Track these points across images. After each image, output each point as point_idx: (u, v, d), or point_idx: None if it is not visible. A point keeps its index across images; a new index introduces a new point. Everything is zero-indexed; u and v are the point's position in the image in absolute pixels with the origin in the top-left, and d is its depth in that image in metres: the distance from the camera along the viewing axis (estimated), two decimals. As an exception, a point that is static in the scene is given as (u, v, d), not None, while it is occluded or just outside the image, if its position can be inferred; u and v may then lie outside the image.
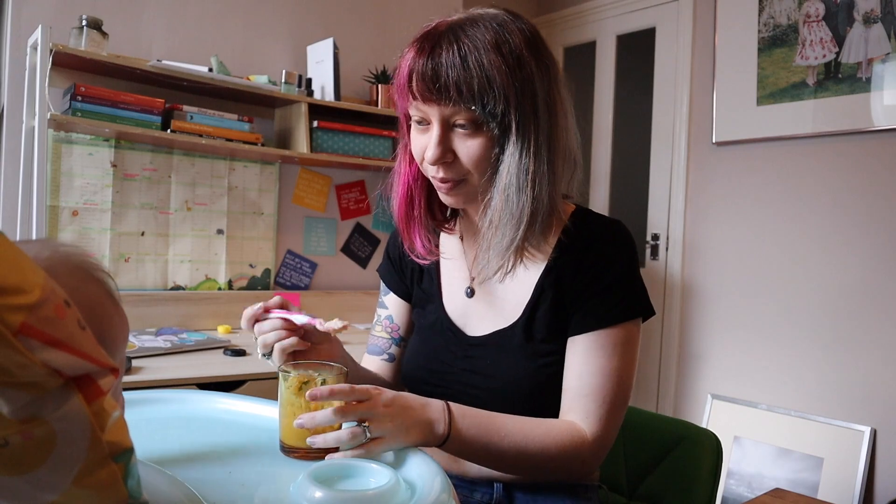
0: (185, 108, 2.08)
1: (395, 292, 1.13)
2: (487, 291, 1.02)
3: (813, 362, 2.52)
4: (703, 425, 2.72)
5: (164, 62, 2.01)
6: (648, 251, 3.11)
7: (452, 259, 1.07)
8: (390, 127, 2.48)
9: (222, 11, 2.33)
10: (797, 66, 2.57)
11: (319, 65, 2.41)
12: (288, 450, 0.85)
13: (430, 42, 0.89)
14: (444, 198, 0.96)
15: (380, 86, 2.51)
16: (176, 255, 2.25)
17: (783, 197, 2.63)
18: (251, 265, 2.41)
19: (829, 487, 2.36)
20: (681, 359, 2.96)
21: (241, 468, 0.81)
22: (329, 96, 2.37)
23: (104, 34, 1.94)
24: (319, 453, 0.84)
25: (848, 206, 2.46)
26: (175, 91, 2.17)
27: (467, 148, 0.89)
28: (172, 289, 2.25)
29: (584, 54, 3.52)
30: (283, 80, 2.25)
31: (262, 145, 2.22)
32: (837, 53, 2.47)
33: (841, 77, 2.46)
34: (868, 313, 2.39)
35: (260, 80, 2.24)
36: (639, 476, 1.31)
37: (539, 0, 3.69)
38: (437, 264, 1.07)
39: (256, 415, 0.98)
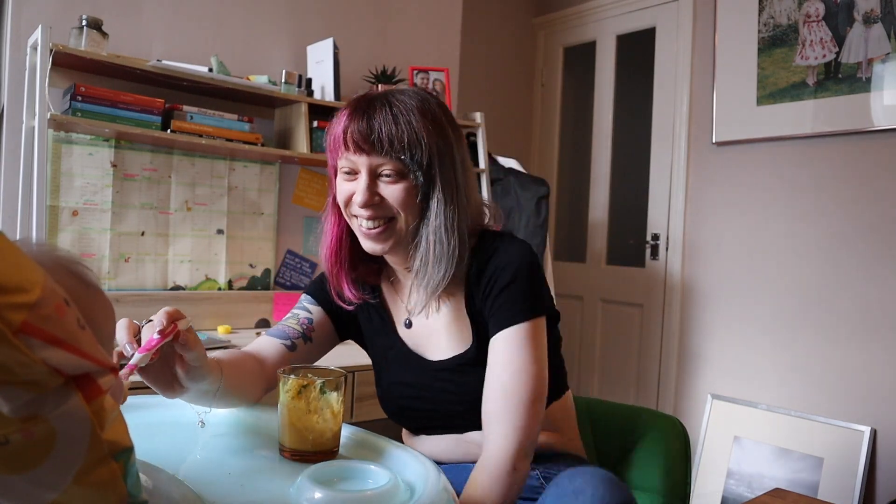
0: (185, 108, 2.08)
1: (325, 311, 1.16)
2: (425, 323, 1.11)
3: (813, 362, 2.52)
4: (703, 425, 2.73)
5: (164, 62, 2.01)
6: (648, 251, 3.11)
7: (389, 297, 1.16)
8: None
9: (222, 11, 2.33)
10: (797, 66, 2.57)
11: (319, 65, 2.41)
12: (288, 452, 0.85)
13: (364, 104, 1.01)
14: (370, 245, 1.04)
15: (380, 86, 2.51)
16: (176, 255, 2.25)
17: (783, 197, 2.63)
18: (251, 265, 2.41)
19: (829, 487, 2.36)
20: (681, 359, 2.96)
21: (241, 469, 0.81)
22: (329, 96, 2.37)
23: (104, 34, 1.94)
24: (319, 455, 0.84)
25: (848, 205, 2.46)
26: (175, 91, 2.17)
27: (392, 191, 1.00)
28: (172, 289, 2.25)
29: (584, 54, 3.52)
30: (283, 80, 2.25)
31: (262, 145, 2.22)
32: (837, 53, 2.47)
33: (841, 77, 2.46)
34: (868, 313, 2.39)
35: (260, 80, 2.24)
36: (611, 466, 1.32)
37: (539, 0, 3.69)
38: (382, 302, 1.16)
39: (256, 417, 0.98)
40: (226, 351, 1.05)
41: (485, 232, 1.10)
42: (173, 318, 0.84)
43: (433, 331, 1.10)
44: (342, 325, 1.18)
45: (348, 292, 1.11)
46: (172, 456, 0.82)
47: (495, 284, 1.03)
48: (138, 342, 0.83)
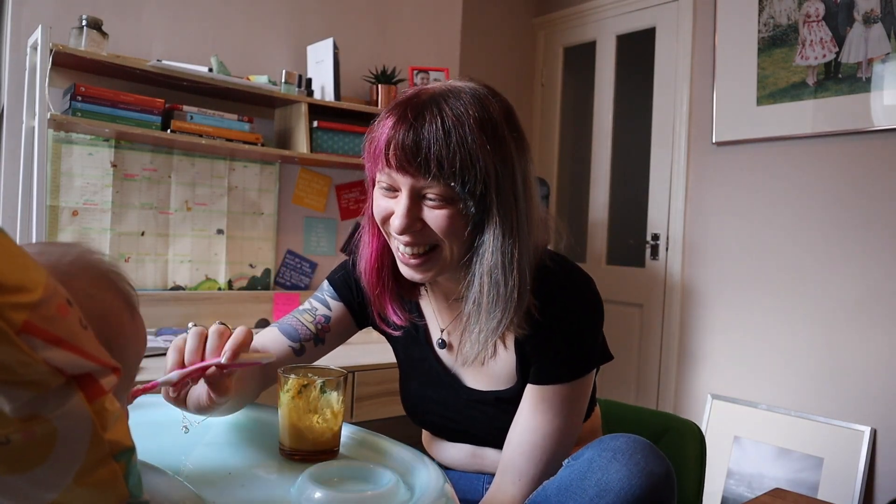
0: (185, 108, 2.08)
1: (347, 306, 1.07)
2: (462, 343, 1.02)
3: (813, 362, 2.52)
4: (703, 425, 2.73)
5: (164, 62, 2.01)
6: (648, 251, 3.11)
7: (424, 308, 1.06)
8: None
9: (222, 11, 2.33)
10: (797, 66, 2.57)
11: (319, 65, 2.41)
12: (288, 452, 0.85)
13: (413, 112, 0.85)
14: (409, 273, 0.91)
15: (380, 86, 2.51)
16: (176, 255, 2.25)
17: (783, 197, 2.63)
18: (251, 265, 2.41)
19: (829, 487, 2.36)
20: (681, 359, 2.96)
21: (241, 469, 0.81)
22: (329, 96, 2.37)
23: (104, 34, 1.94)
24: (319, 455, 0.84)
25: (848, 205, 2.46)
26: (175, 91, 2.17)
27: (436, 217, 0.86)
28: (172, 289, 2.25)
29: (584, 54, 3.52)
30: (283, 80, 2.25)
31: (262, 145, 2.22)
32: (837, 53, 2.47)
33: (841, 77, 2.46)
34: (868, 313, 2.39)
35: (260, 80, 2.24)
36: None
37: (539, 0, 3.69)
38: (419, 311, 1.06)
39: (256, 416, 0.98)
40: None
41: (545, 262, 0.95)
42: (238, 349, 0.77)
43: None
44: (365, 318, 1.09)
45: (394, 316, 1.00)
46: (172, 456, 0.82)
47: (549, 335, 0.93)
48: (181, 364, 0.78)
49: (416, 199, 0.86)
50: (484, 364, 0.99)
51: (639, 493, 0.80)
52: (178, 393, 0.80)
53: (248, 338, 0.80)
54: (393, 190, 0.88)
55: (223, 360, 0.77)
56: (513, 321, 0.89)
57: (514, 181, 0.87)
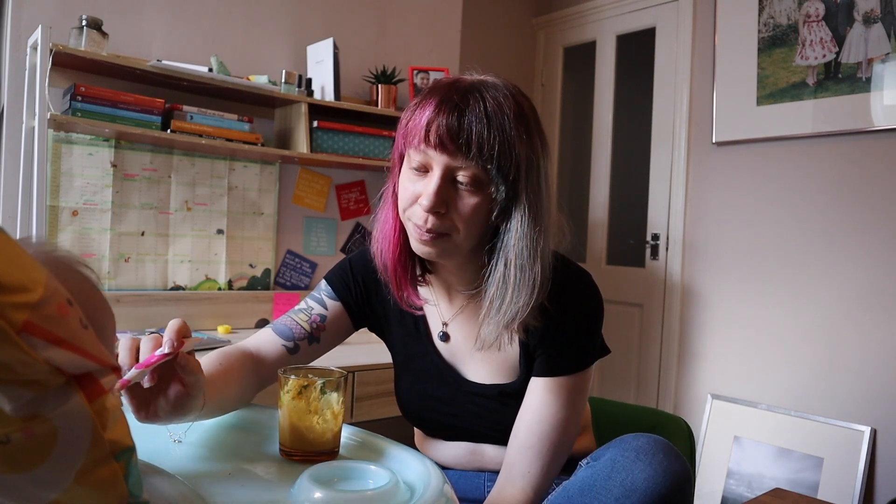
0: (185, 108, 2.08)
1: (344, 305, 1.08)
2: (466, 340, 1.03)
3: (813, 362, 2.52)
4: (703, 425, 2.73)
5: (164, 62, 2.01)
6: (648, 251, 3.11)
7: (429, 304, 1.07)
8: (390, 127, 2.48)
9: (222, 11, 2.33)
10: (797, 66, 2.57)
11: (319, 65, 2.41)
12: (288, 452, 0.85)
13: (457, 96, 0.88)
14: (420, 247, 0.92)
15: (380, 86, 2.51)
16: (176, 255, 2.25)
17: (783, 197, 2.63)
18: (251, 265, 2.41)
19: (829, 487, 2.36)
20: (681, 358, 2.96)
21: (241, 469, 0.81)
22: (329, 96, 2.37)
23: (104, 34, 1.94)
24: (319, 456, 0.84)
25: (848, 205, 2.46)
26: (175, 91, 2.17)
27: (464, 204, 0.88)
28: (172, 289, 2.25)
29: (584, 54, 3.52)
30: (283, 80, 2.25)
31: (262, 145, 2.22)
32: (837, 53, 2.47)
33: (841, 77, 2.46)
34: (868, 313, 2.39)
35: (260, 80, 2.24)
36: None
37: (539, 0, 3.69)
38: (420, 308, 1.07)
39: (256, 416, 0.98)
40: (216, 353, 0.96)
41: (553, 259, 0.97)
42: (182, 335, 0.75)
43: (476, 350, 1.03)
44: (362, 318, 1.10)
45: (415, 298, 1.01)
46: (172, 456, 0.82)
47: (555, 328, 0.95)
48: (136, 359, 0.74)
49: (448, 181, 0.88)
50: (500, 349, 1.00)
51: (664, 493, 0.81)
52: (146, 411, 0.76)
53: (185, 326, 0.77)
54: (424, 170, 0.89)
55: (167, 349, 0.73)
56: (533, 308, 0.90)
57: (539, 174, 0.91)
